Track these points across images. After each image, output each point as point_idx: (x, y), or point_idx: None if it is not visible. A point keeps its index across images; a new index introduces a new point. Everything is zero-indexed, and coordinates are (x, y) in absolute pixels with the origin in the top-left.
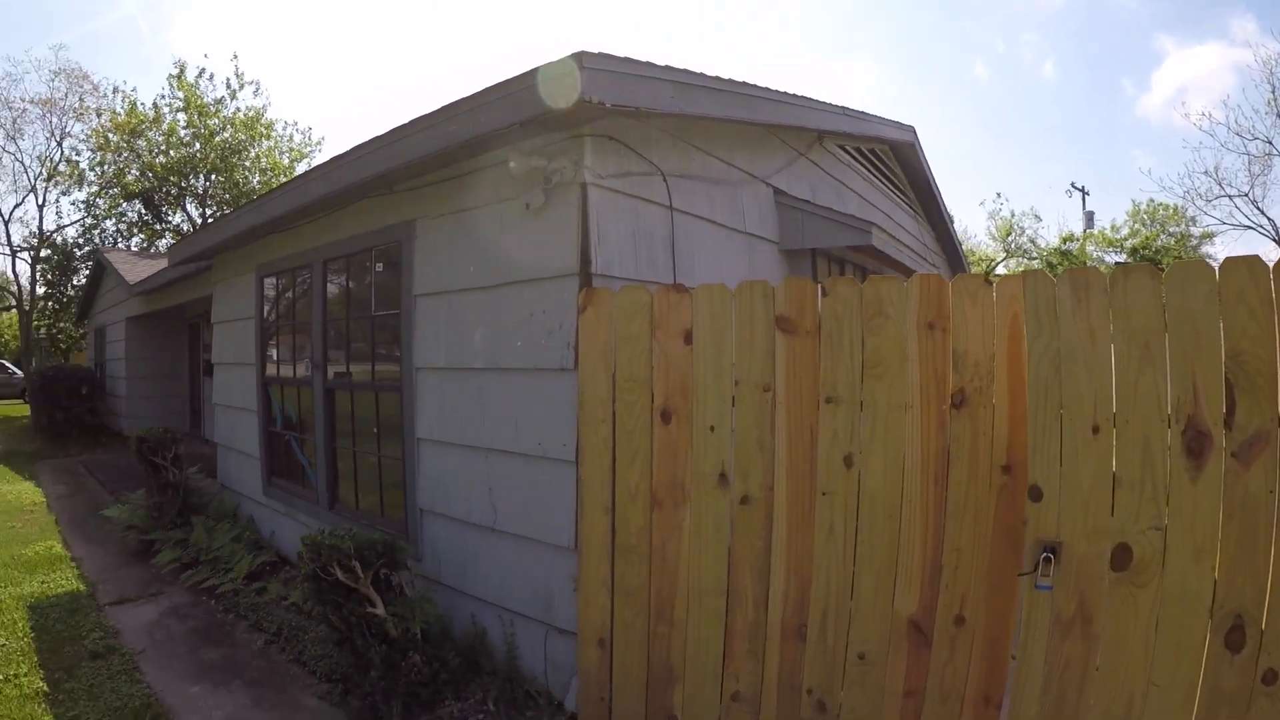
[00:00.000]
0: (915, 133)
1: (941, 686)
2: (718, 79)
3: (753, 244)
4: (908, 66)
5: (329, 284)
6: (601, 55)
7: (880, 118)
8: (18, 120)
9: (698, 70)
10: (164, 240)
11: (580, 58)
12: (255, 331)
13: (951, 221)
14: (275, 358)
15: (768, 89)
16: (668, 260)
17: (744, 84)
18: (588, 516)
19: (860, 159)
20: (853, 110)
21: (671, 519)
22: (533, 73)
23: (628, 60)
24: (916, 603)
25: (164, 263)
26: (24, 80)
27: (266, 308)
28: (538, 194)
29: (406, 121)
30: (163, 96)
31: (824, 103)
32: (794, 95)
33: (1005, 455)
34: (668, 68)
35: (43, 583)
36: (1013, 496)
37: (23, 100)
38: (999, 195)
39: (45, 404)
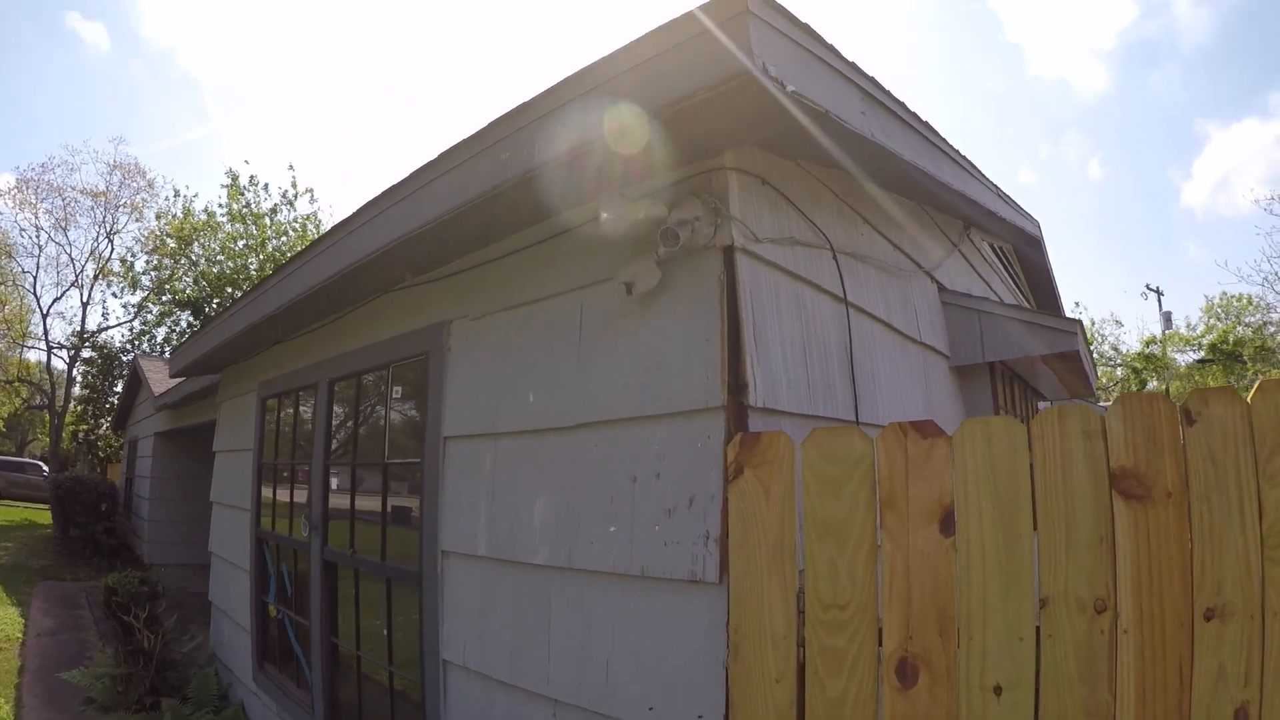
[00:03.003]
0: (1040, 226)
1: None
2: (905, 106)
3: (926, 359)
4: None
5: (334, 412)
6: (776, 7)
7: (1017, 204)
8: (69, 208)
9: (886, 85)
10: None
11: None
12: (252, 468)
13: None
14: (273, 506)
15: (950, 142)
16: (846, 384)
17: (930, 125)
18: None
19: (998, 256)
20: (1003, 191)
21: None
22: (661, 31)
23: (809, 30)
24: None
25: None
26: (80, 170)
27: (265, 439)
28: (648, 268)
29: (433, 158)
30: (220, 205)
31: (984, 174)
32: (968, 159)
33: None
34: (855, 66)
35: None
36: None
37: (74, 189)
38: (1077, 304)
39: (61, 517)
